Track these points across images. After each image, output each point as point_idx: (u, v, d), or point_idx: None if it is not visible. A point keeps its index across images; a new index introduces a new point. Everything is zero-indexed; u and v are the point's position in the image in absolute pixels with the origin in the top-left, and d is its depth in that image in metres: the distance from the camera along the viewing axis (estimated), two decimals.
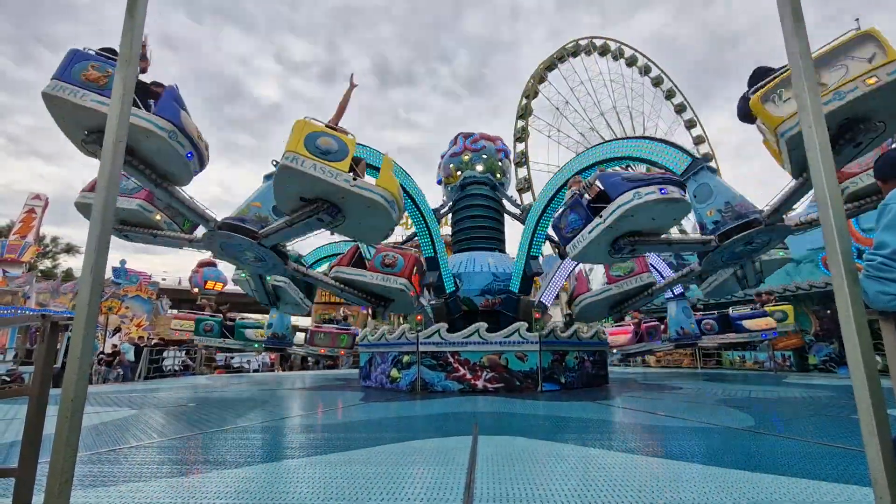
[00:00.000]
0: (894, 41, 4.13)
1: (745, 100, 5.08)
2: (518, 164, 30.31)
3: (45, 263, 36.94)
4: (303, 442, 3.83)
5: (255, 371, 17.90)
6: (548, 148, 33.49)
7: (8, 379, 10.07)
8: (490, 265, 11.08)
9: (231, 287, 16.42)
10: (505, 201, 13.26)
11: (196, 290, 22.27)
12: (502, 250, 12.30)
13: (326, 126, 5.76)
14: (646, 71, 34.31)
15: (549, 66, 32.37)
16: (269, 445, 3.67)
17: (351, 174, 5.53)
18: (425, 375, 8.07)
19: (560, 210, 7.34)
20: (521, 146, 30.69)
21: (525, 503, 2.16)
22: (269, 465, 2.96)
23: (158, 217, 6.80)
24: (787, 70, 4.25)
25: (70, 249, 39.27)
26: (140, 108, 4.68)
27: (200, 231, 6.74)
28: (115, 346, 16.88)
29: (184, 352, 16.58)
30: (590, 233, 6.28)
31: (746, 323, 12.90)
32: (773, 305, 13.16)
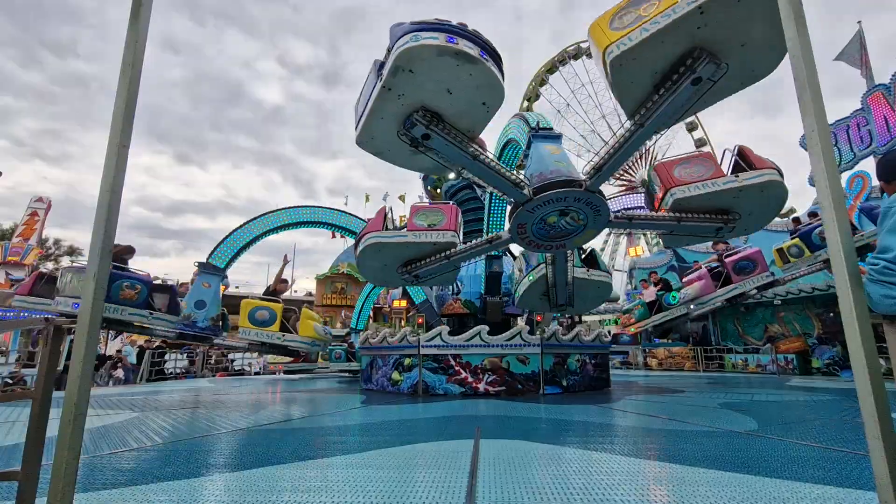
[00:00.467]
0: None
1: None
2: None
3: (48, 266, 37.04)
4: (303, 445, 3.83)
5: (257, 374, 17.90)
6: None
7: (11, 381, 10.08)
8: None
9: (231, 290, 16.42)
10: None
11: None
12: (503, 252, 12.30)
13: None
14: None
15: (551, 68, 32.45)
16: (270, 448, 3.67)
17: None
18: (427, 378, 8.06)
19: None
20: None
21: None
22: (269, 469, 2.96)
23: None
24: None
25: (73, 252, 39.39)
26: None
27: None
28: (118, 350, 16.90)
29: (185, 354, 16.59)
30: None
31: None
32: None
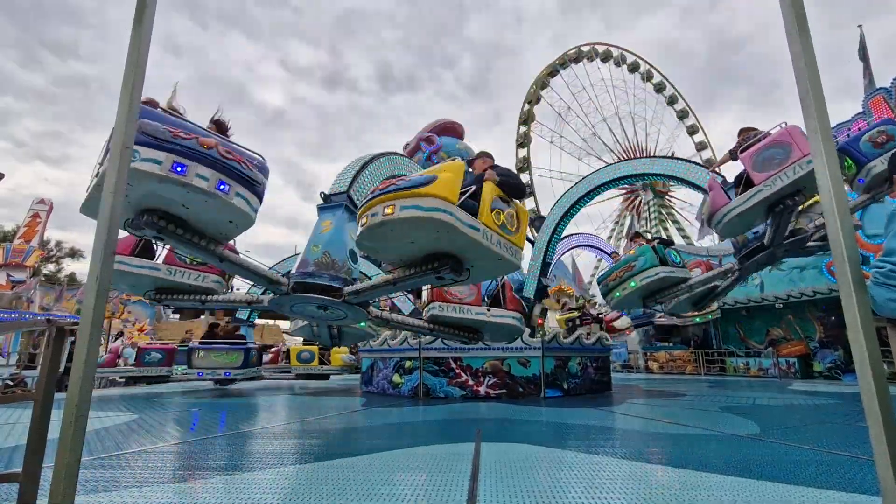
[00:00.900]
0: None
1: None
2: (521, 170, 30.38)
3: (49, 268, 37.10)
4: (304, 447, 3.81)
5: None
6: (550, 153, 33.65)
7: (11, 383, 10.09)
8: None
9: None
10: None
11: None
12: None
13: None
14: (648, 77, 34.40)
15: (552, 72, 32.51)
16: (270, 451, 3.66)
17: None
18: (428, 381, 8.04)
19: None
20: (523, 152, 30.76)
21: None
22: (269, 471, 2.95)
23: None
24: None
25: (74, 254, 39.46)
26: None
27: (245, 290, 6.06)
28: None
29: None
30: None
31: None
32: None
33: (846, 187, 6.15)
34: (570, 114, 33.73)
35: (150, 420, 5.35)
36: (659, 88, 34.50)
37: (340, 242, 4.74)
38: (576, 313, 15.71)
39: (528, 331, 8.18)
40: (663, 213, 33.97)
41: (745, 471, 2.80)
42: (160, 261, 5.32)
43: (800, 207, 5.69)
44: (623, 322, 15.70)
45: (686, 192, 36.29)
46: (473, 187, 3.61)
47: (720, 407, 6.32)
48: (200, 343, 10.12)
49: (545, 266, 10.31)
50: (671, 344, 19.59)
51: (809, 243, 6.12)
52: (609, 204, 35.62)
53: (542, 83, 32.14)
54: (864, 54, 15.44)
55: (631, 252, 7.11)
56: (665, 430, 4.51)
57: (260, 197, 3.54)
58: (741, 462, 3.05)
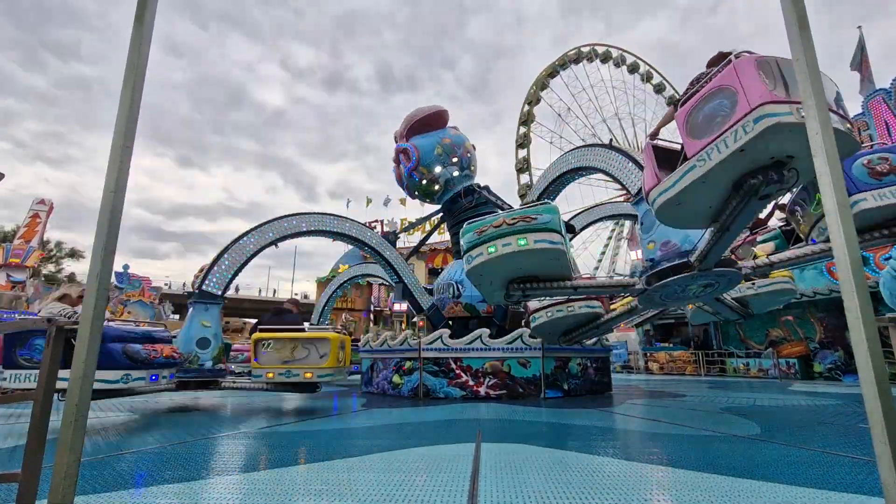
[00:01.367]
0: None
1: None
2: (520, 170, 30.40)
3: (49, 268, 37.10)
4: (304, 448, 3.81)
5: None
6: (550, 154, 33.60)
7: None
8: None
9: (231, 293, 16.37)
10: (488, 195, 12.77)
11: None
12: None
13: None
14: (648, 78, 34.43)
15: (552, 72, 32.55)
16: (270, 451, 3.65)
17: None
18: (427, 382, 8.04)
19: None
20: (523, 152, 30.78)
21: None
22: (269, 472, 2.94)
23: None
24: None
25: (74, 254, 39.46)
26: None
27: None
28: None
29: None
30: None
31: None
32: None
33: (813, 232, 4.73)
34: (569, 114, 33.77)
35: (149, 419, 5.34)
36: (659, 89, 34.53)
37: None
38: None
39: (527, 331, 8.17)
40: None
41: (746, 472, 2.79)
42: None
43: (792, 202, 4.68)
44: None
45: None
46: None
47: (720, 408, 6.32)
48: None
49: None
50: (671, 345, 19.59)
51: (744, 281, 5.38)
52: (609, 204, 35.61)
53: (541, 84, 32.18)
54: (862, 56, 15.45)
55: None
56: (665, 430, 4.50)
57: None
58: (742, 463, 3.05)
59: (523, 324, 7.84)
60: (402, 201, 38.02)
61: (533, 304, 7.03)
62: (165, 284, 35.73)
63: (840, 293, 1.45)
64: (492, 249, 4.62)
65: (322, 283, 35.66)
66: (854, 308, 1.40)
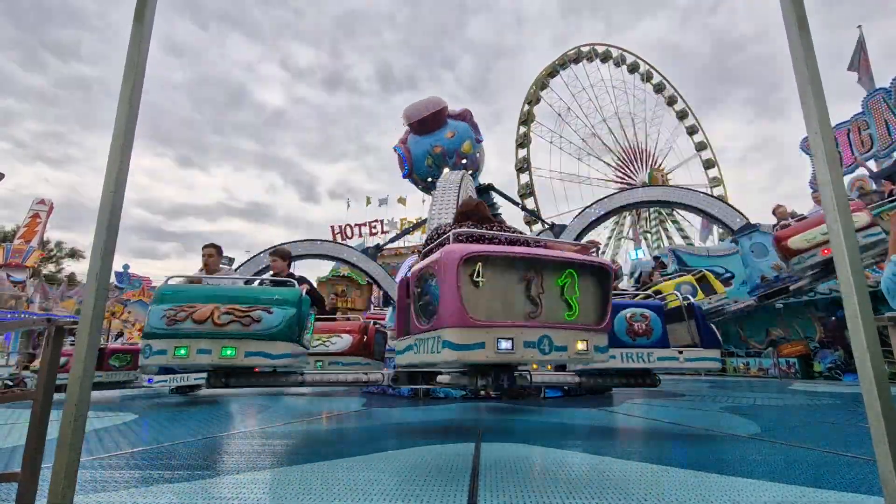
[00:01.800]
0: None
1: None
2: (520, 170, 30.39)
3: (49, 268, 37.10)
4: (304, 448, 3.81)
5: None
6: (550, 153, 33.60)
7: (11, 383, 10.07)
8: None
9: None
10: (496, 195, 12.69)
11: None
12: None
13: None
14: (648, 78, 34.43)
15: (551, 72, 32.55)
16: (270, 451, 3.65)
17: None
18: None
19: None
20: (523, 152, 30.77)
21: None
22: (269, 472, 2.94)
23: None
24: None
25: (74, 254, 39.47)
26: None
27: None
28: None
29: None
30: None
31: None
32: None
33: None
34: (569, 114, 33.77)
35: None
36: (658, 89, 34.53)
37: None
38: None
39: None
40: (663, 212, 33.96)
41: (746, 471, 2.79)
42: None
43: None
44: None
45: None
46: None
47: (721, 407, 6.32)
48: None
49: None
50: None
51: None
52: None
53: (541, 84, 32.17)
54: (862, 56, 15.44)
55: None
56: (665, 430, 4.50)
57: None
58: (742, 462, 3.05)
59: None
60: (402, 201, 38.02)
61: None
62: None
63: (840, 293, 1.45)
64: (181, 352, 3.27)
65: (322, 283, 35.66)
66: (853, 307, 1.40)
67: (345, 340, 5.43)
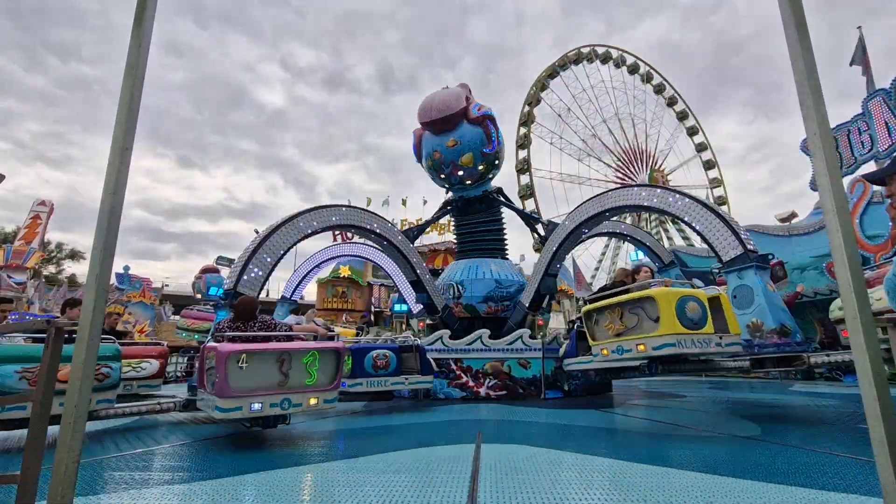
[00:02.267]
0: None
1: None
2: (521, 171, 30.39)
3: (49, 269, 37.12)
4: (304, 449, 3.81)
5: None
6: (550, 154, 33.59)
7: None
8: (493, 272, 11.04)
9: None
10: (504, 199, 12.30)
11: (199, 295, 22.30)
12: (504, 256, 12.23)
13: None
14: (648, 79, 34.44)
15: (552, 73, 32.55)
16: (270, 453, 3.65)
17: None
18: None
19: None
20: (523, 153, 30.77)
21: None
22: (269, 473, 2.94)
23: None
24: None
25: (74, 255, 39.48)
26: None
27: None
28: None
29: (186, 358, 16.54)
30: None
31: None
32: None
33: None
34: (570, 115, 33.77)
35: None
36: (659, 90, 34.54)
37: None
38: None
39: (527, 332, 8.17)
40: None
41: (746, 472, 2.79)
42: None
43: None
44: None
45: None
46: None
47: (721, 408, 6.31)
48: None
49: (549, 276, 9.90)
50: None
51: None
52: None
53: (541, 85, 32.18)
54: (862, 57, 15.45)
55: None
56: (665, 431, 4.50)
57: None
58: (742, 463, 3.04)
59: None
60: (403, 202, 37.99)
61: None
62: (165, 285, 35.71)
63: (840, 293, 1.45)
64: None
65: (323, 284, 35.65)
66: (852, 308, 1.40)
67: (153, 366, 6.47)
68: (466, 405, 6.97)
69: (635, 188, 8.54)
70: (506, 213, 12.58)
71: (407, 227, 29.42)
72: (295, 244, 7.79)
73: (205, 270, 21.91)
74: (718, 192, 34.13)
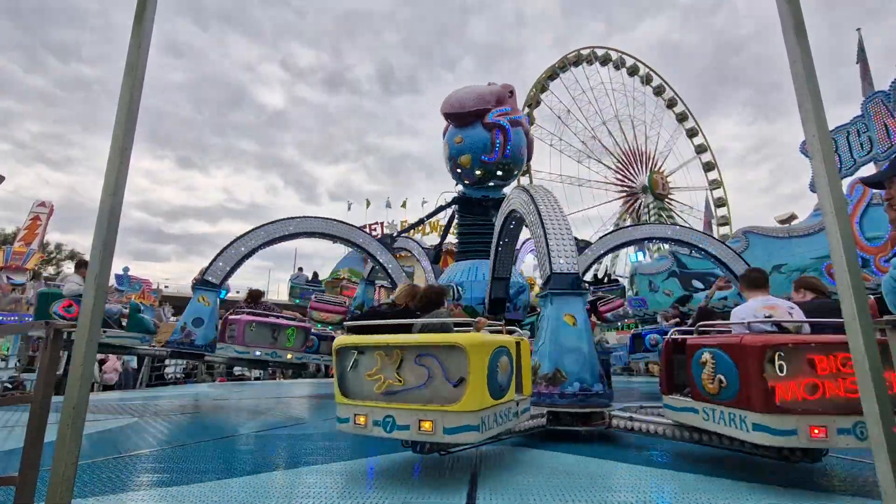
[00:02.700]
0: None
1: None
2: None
3: (49, 270, 37.12)
4: (304, 451, 3.80)
5: (257, 379, 17.84)
6: (549, 156, 33.64)
7: (10, 386, 10.07)
8: None
9: (232, 294, 16.14)
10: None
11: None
12: None
13: None
14: (647, 80, 34.52)
15: (551, 75, 32.63)
16: (270, 455, 3.64)
17: None
18: None
19: None
20: None
21: None
22: (269, 475, 2.94)
23: None
24: None
25: (74, 256, 39.47)
26: None
27: None
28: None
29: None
30: None
31: None
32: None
33: None
34: (569, 117, 33.84)
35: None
36: (658, 91, 34.62)
37: None
38: None
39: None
40: (663, 215, 33.97)
41: (746, 473, 2.79)
42: None
43: None
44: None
45: (686, 195, 36.32)
46: None
47: None
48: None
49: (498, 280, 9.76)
50: None
51: None
52: (609, 207, 35.64)
53: (541, 86, 32.25)
54: (862, 57, 15.48)
55: None
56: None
57: None
58: (741, 465, 3.04)
59: None
60: (403, 204, 38.02)
61: None
62: (165, 286, 35.68)
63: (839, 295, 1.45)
64: None
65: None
66: (851, 310, 1.40)
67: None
68: None
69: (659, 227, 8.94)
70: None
71: (408, 226, 29.42)
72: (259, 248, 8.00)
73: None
74: (718, 193, 34.18)
